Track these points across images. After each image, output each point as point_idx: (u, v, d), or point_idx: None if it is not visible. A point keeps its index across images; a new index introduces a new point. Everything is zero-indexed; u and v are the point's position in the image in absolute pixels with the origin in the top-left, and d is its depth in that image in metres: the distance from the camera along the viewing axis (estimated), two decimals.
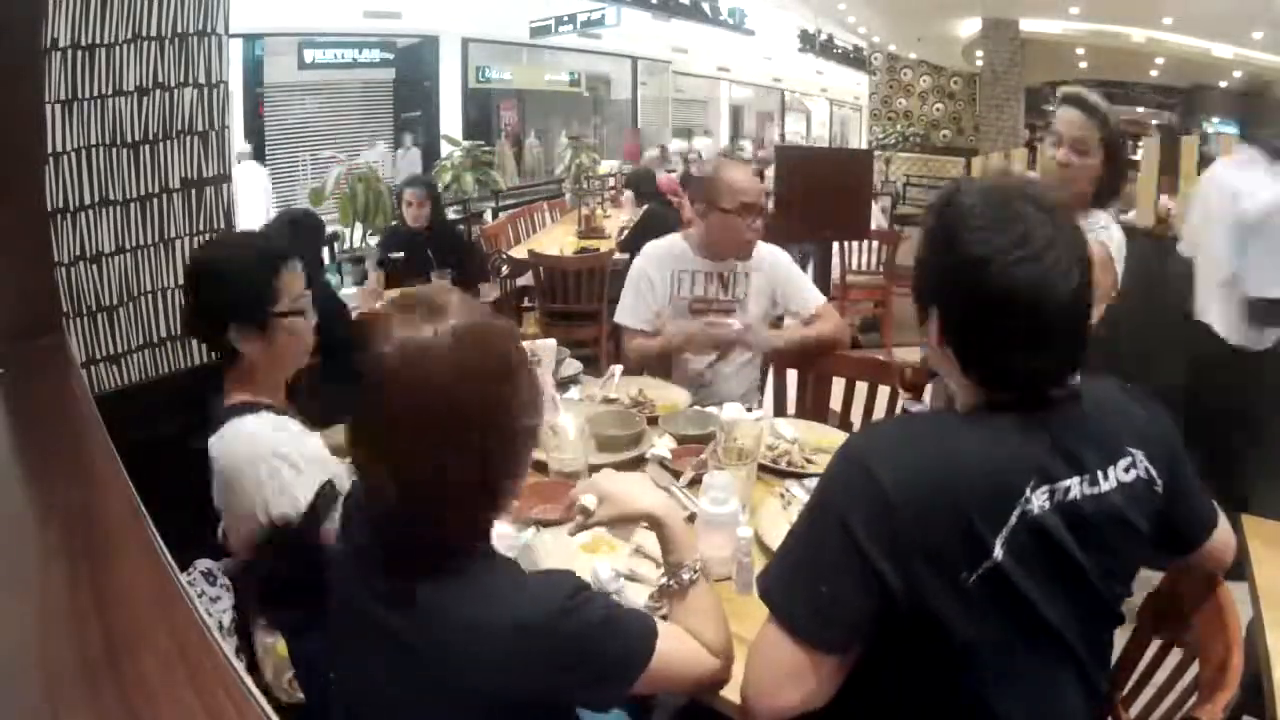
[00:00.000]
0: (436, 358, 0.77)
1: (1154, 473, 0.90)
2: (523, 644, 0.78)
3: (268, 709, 0.64)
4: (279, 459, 1.21)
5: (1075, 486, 0.84)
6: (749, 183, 2.02)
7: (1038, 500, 0.82)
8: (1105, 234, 1.67)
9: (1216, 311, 2.34)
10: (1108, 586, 0.88)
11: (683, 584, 0.98)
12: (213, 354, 1.38)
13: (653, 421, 1.82)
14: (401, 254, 3.56)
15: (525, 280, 4.13)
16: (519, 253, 4.50)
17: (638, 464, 1.62)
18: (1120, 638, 1.16)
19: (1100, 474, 0.86)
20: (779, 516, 1.41)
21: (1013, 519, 0.81)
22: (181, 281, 1.89)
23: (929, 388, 1.49)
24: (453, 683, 0.78)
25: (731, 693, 0.98)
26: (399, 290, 3.09)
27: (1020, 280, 0.81)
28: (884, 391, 2.06)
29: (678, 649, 0.91)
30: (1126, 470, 0.88)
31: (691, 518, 1.39)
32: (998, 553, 0.80)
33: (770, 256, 2.11)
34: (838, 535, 0.83)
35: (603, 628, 0.83)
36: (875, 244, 4.96)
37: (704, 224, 2.06)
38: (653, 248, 2.16)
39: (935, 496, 0.81)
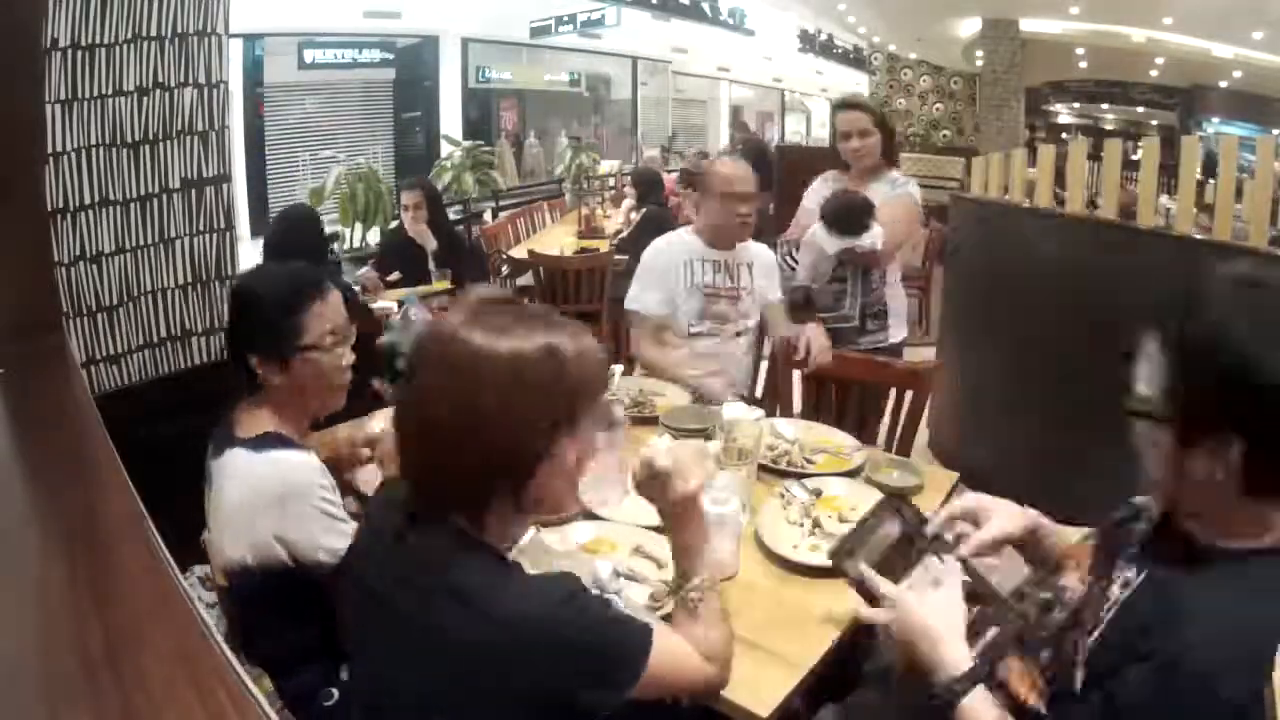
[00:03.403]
0: (499, 359, 0.81)
1: None
2: (522, 637, 0.80)
3: (267, 709, 0.64)
4: (329, 504, 1.20)
5: None
6: (736, 173, 2.19)
7: None
8: (907, 188, 2.28)
9: None
10: None
11: (692, 602, 0.99)
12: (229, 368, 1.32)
13: (652, 421, 1.82)
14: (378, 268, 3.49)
15: (525, 280, 4.13)
16: (519, 253, 4.49)
17: None
18: None
19: None
20: (779, 516, 1.41)
21: None
22: (181, 281, 1.89)
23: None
24: (465, 677, 0.80)
25: (733, 694, 0.98)
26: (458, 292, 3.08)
27: None
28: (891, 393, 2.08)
29: (675, 652, 0.92)
30: None
31: None
32: None
33: (762, 253, 2.30)
34: None
35: (600, 626, 0.86)
36: None
37: (702, 212, 2.26)
38: (663, 240, 2.32)
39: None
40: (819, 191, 2.39)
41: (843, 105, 2.35)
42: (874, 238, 2.15)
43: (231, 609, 1.25)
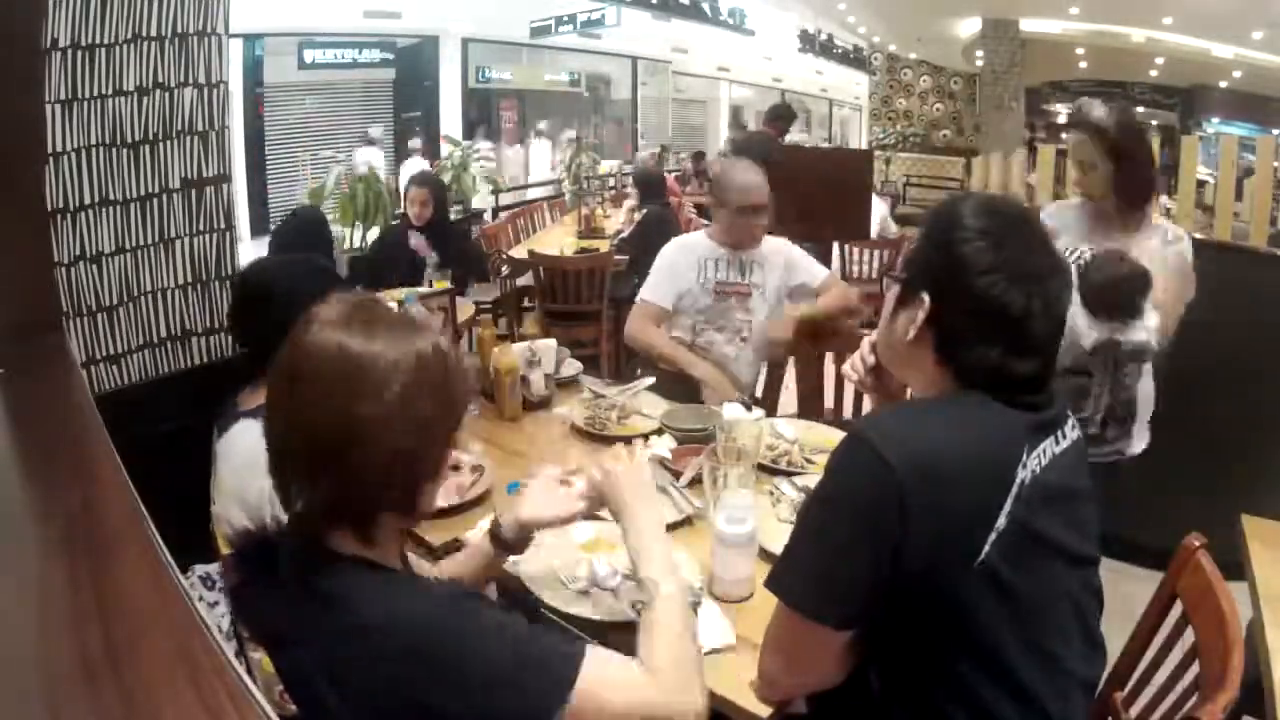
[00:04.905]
0: (400, 362, 0.77)
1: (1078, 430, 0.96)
2: (382, 645, 0.73)
3: (268, 709, 0.64)
4: None
5: (1050, 448, 0.88)
6: (754, 183, 2.20)
7: (1031, 465, 0.85)
8: (1179, 246, 1.67)
9: None
10: (1081, 543, 0.90)
11: (637, 612, 0.93)
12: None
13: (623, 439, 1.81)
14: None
15: (525, 280, 4.12)
16: (519, 253, 4.49)
17: None
18: (1120, 637, 1.16)
19: (1060, 433, 0.91)
20: (769, 514, 1.40)
21: (1012, 492, 0.83)
22: (181, 281, 1.89)
23: None
24: (345, 691, 0.74)
25: (733, 694, 0.98)
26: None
27: (1016, 297, 0.86)
28: None
29: (610, 676, 0.80)
30: (1072, 429, 0.94)
31: (689, 520, 1.40)
32: (1001, 520, 0.82)
33: (778, 245, 2.32)
34: (847, 517, 0.84)
35: (491, 637, 0.76)
36: (876, 251, 4.97)
37: (717, 218, 2.29)
38: (682, 239, 2.42)
39: (942, 476, 0.82)
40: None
41: (1070, 124, 1.75)
42: (1148, 330, 1.54)
43: (233, 581, 1.28)
